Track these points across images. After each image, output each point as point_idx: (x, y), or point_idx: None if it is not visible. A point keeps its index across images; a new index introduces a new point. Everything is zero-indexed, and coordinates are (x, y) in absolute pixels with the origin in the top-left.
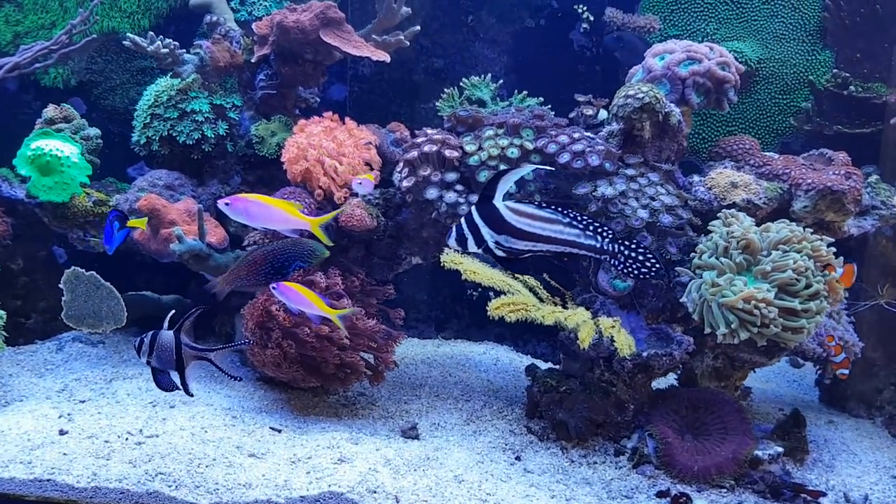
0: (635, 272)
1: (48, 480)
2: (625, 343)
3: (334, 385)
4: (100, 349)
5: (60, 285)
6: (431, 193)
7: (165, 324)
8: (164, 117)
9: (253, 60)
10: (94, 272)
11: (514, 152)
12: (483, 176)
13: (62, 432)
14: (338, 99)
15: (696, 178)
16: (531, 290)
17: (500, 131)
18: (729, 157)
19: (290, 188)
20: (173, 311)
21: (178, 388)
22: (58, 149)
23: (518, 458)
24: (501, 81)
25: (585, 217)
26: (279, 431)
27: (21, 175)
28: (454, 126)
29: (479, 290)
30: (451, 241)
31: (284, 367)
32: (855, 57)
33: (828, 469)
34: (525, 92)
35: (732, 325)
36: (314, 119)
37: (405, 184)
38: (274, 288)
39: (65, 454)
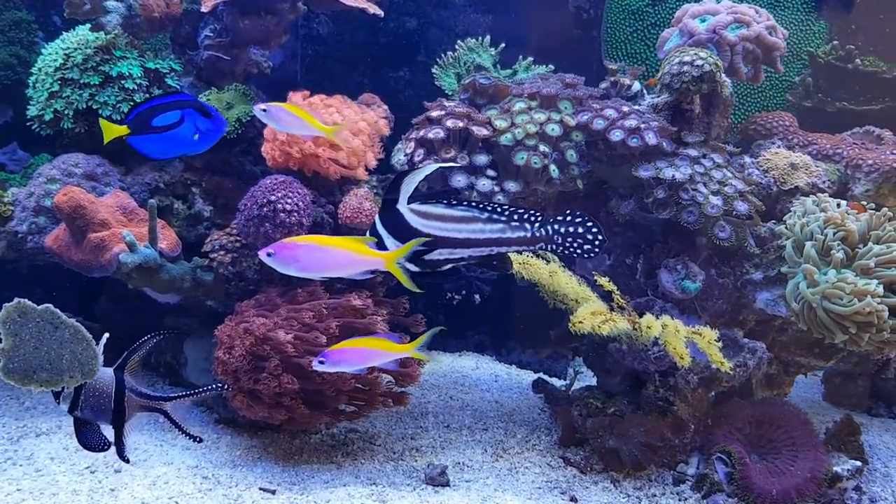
0: (580, 250)
1: None
2: (721, 357)
3: (333, 420)
4: None
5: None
6: (459, 180)
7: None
8: (81, 84)
9: (204, 10)
10: (49, 305)
11: (554, 129)
12: (521, 159)
13: None
14: (283, 64)
15: (747, 159)
16: (605, 295)
17: (533, 104)
18: (771, 135)
19: (275, 177)
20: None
21: (107, 448)
22: None
23: (574, 501)
24: (504, 46)
25: (505, 206)
26: (273, 492)
27: None
28: (472, 97)
29: (463, 293)
30: None
31: (282, 407)
32: (849, 28)
33: (885, 478)
34: (530, 58)
35: (852, 330)
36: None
37: None
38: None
39: None
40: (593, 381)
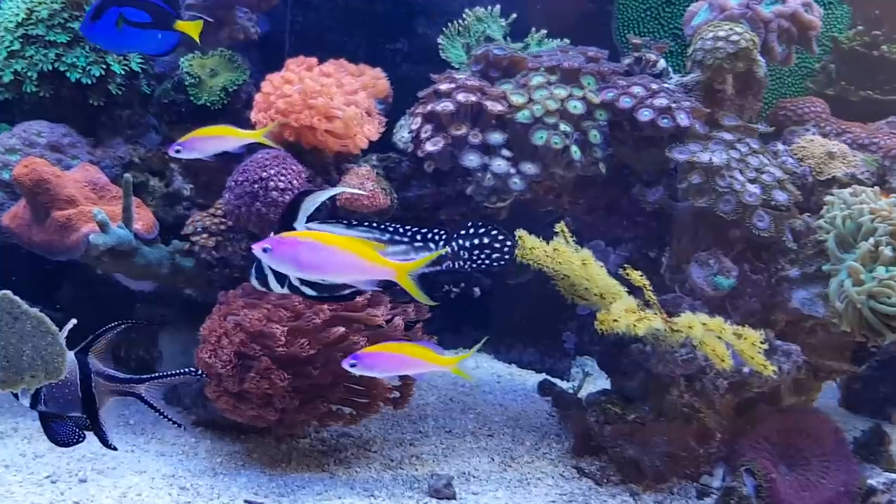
0: (488, 261)
1: None
2: (763, 360)
3: (328, 421)
4: None
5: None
6: (471, 160)
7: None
8: (46, 42)
9: None
10: (7, 292)
11: (577, 106)
12: (540, 138)
13: None
14: (271, 31)
15: (780, 146)
16: (635, 291)
17: (553, 78)
18: (802, 122)
19: (268, 152)
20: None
21: (82, 440)
22: None
23: None
24: (516, 16)
25: (408, 227)
26: None
27: None
28: (485, 70)
29: (461, 286)
30: (254, 282)
31: (271, 407)
32: (873, 14)
33: None
34: (543, 31)
35: None
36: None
37: (429, 147)
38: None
39: None
40: (604, 384)
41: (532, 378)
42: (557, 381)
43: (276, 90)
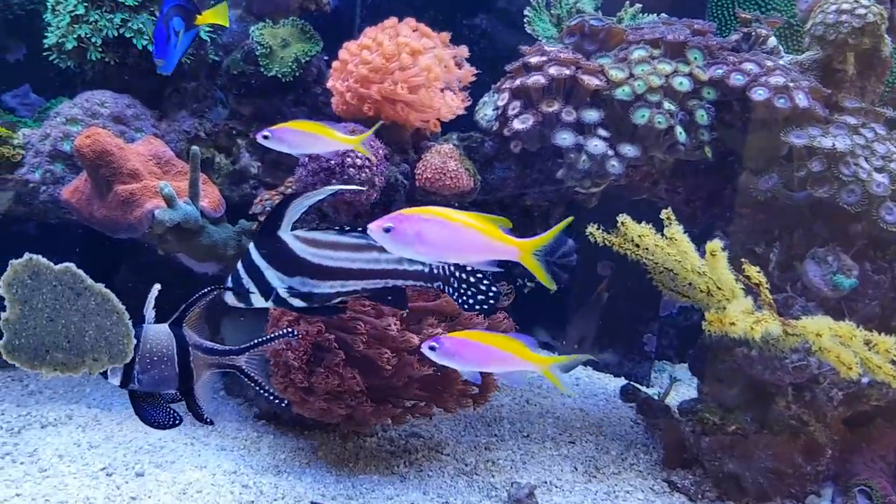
0: (471, 301)
1: None
2: (892, 372)
3: (399, 418)
4: None
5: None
6: (564, 139)
7: (149, 314)
8: (112, 5)
9: None
10: (70, 265)
11: (683, 83)
12: (641, 117)
13: None
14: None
15: None
16: (751, 288)
17: (656, 52)
18: None
19: (345, 126)
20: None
21: (178, 423)
22: None
23: None
24: None
25: None
26: None
27: None
28: (579, 43)
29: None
30: (231, 300)
31: (341, 401)
32: None
33: None
34: (638, 5)
35: None
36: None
37: (517, 125)
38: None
39: None
40: (689, 391)
41: (611, 382)
42: (638, 386)
43: (353, 57)
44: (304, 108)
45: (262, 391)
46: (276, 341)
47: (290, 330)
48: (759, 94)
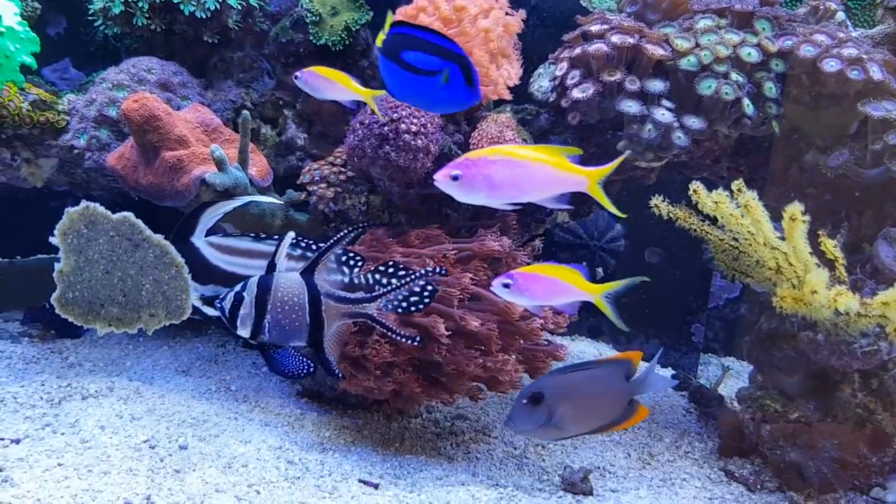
0: (406, 304)
1: None
2: None
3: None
4: (26, 347)
5: (53, 238)
6: (629, 106)
7: (281, 262)
8: None
9: None
10: (129, 215)
11: (751, 54)
12: (707, 87)
13: None
14: None
15: None
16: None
17: (723, 22)
18: None
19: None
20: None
21: (312, 371)
22: None
23: None
24: None
25: (320, 245)
26: (376, 487)
27: None
28: (641, 12)
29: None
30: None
31: (389, 378)
32: None
33: None
34: None
35: None
36: None
37: (576, 94)
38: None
39: None
40: (738, 383)
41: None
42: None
43: (409, 20)
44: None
45: (396, 337)
46: (412, 285)
47: (428, 270)
48: (830, 66)
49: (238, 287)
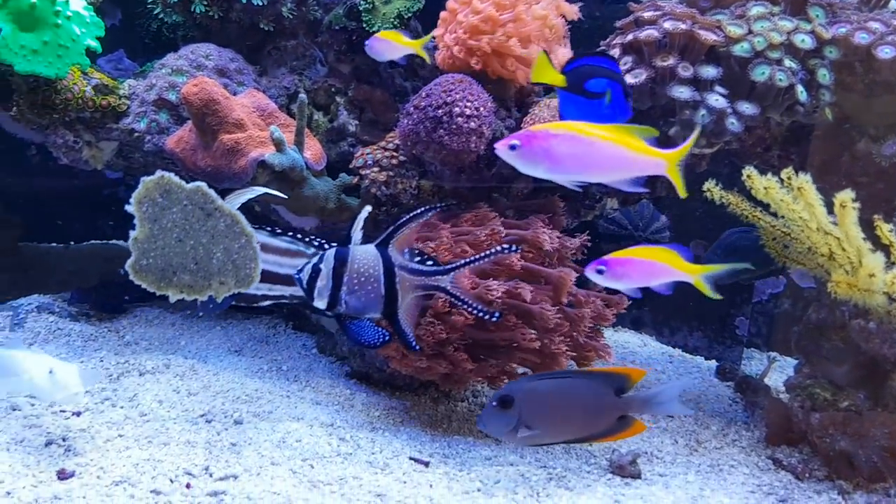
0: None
1: None
2: None
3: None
4: (83, 325)
5: (129, 206)
6: (681, 92)
7: (356, 235)
8: None
9: None
10: (201, 184)
11: (805, 40)
12: (761, 74)
13: (62, 475)
14: None
15: None
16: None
17: (776, 9)
18: None
19: (453, 76)
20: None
21: (388, 340)
22: None
23: None
24: None
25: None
26: (426, 464)
27: None
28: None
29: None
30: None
31: (443, 358)
32: None
33: None
34: None
35: None
36: None
37: (628, 79)
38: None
39: None
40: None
41: (704, 363)
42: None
43: (463, 6)
44: (401, 69)
45: (469, 308)
46: (484, 261)
47: (506, 246)
48: (885, 53)
49: (315, 259)
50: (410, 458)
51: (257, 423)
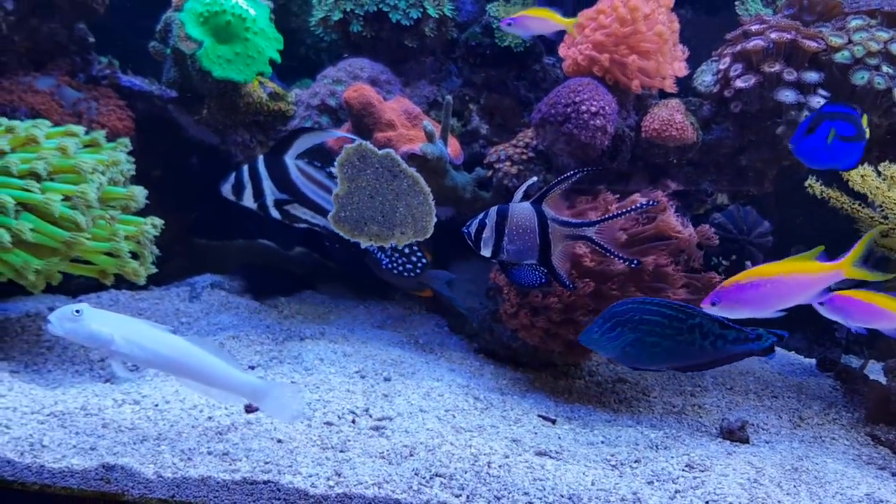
0: (401, 267)
1: (265, 483)
2: None
3: None
4: (249, 300)
5: (333, 168)
6: (787, 95)
7: (518, 196)
8: None
9: None
10: (390, 151)
11: None
12: (860, 78)
13: (248, 409)
14: None
15: None
16: None
17: (873, 22)
18: None
19: (580, 80)
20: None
21: (544, 281)
22: (242, 7)
23: None
24: None
25: None
26: (553, 422)
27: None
28: (797, 14)
29: (732, 258)
30: (226, 189)
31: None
32: None
33: None
34: None
35: None
36: None
37: (739, 84)
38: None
39: (279, 441)
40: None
41: (805, 360)
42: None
43: (590, 21)
44: (525, 82)
45: (615, 257)
46: (627, 216)
47: (647, 201)
48: None
49: (481, 215)
50: (539, 416)
51: (403, 380)
